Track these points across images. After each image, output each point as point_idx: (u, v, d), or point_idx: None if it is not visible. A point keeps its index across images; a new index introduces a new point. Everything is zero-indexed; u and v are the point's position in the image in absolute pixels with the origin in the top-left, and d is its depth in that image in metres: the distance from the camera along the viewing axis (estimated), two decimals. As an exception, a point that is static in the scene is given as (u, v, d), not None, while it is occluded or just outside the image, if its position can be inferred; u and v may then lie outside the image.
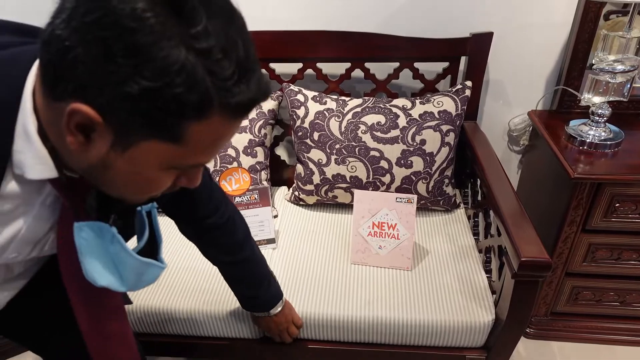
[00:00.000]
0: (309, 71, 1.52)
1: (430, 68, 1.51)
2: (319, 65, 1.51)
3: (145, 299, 1.20)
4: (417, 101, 1.38)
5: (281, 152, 1.72)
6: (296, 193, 1.50)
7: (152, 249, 0.69)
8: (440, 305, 1.16)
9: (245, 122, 1.44)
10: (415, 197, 1.22)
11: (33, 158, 0.51)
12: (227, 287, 1.09)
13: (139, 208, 0.66)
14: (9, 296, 0.76)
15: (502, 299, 1.11)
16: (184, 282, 1.26)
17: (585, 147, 1.36)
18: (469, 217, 1.46)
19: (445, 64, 1.48)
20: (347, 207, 1.48)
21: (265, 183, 1.48)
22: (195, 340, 1.27)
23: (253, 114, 1.45)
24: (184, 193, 0.82)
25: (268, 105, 1.48)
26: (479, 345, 1.18)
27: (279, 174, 1.67)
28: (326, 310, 1.16)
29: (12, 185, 0.54)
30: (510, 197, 1.18)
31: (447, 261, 1.29)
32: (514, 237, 1.04)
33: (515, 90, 1.59)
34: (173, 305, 1.19)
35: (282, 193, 1.61)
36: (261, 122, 1.45)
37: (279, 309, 1.09)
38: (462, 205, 1.50)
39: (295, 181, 1.50)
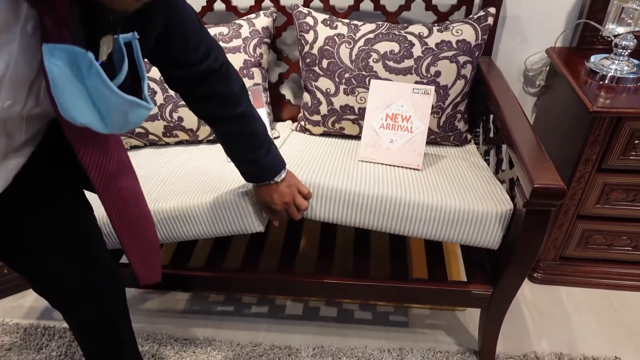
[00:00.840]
0: (316, 2, 1.45)
1: (445, -1, 1.43)
2: (326, -6, 1.44)
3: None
4: (435, 28, 1.30)
5: (286, 91, 1.66)
6: (302, 123, 1.45)
7: (134, 87, 0.62)
8: (452, 194, 1.11)
9: (238, 42, 1.38)
10: (432, 88, 1.18)
11: None
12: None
13: (115, 36, 0.59)
14: (14, 168, 0.70)
15: (511, 232, 1.07)
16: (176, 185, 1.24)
17: (606, 82, 1.30)
18: (480, 154, 1.40)
19: (461, -6, 1.40)
20: (355, 137, 1.43)
21: (265, 107, 1.43)
22: (192, 272, 1.26)
23: (246, 32, 1.39)
24: (172, 37, 0.77)
25: (261, 22, 1.41)
26: (494, 246, 1.11)
27: (285, 114, 1.61)
28: (331, 183, 1.11)
29: None
30: (525, 127, 1.13)
31: (459, 169, 1.25)
32: (528, 164, 0.99)
33: (534, 27, 1.51)
34: (172, 205, 1.16)
35: (286, 124, 1.55)
36: (255, 40, 1.39)
37: (283, 175, 1.04)
38: (472, 142, 1.44)
39: (301, 110, 1.44)
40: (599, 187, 1.35)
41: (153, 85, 1.38)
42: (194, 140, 1.48)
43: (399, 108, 1.21)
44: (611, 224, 1.42)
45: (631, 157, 1.27)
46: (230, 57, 1.37)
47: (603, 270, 1.53)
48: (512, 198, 1.11)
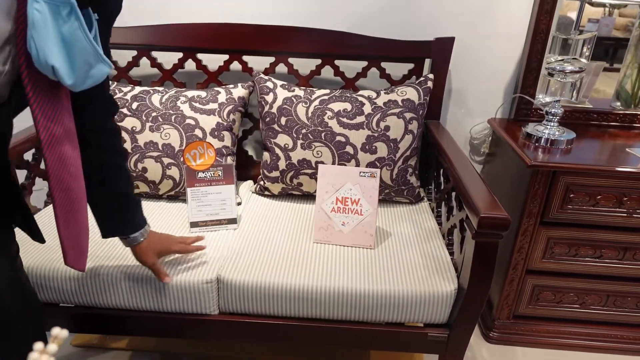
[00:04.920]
0: (281, 66, 1.58)
1: (397, 69, 1.58)
2: (290, 60, 1.57)
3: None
4: (382, 92, 1.44)
5: (249, 148, 1.73)
6: (262, 182, 1.50)
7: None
8: (402, 277, 1.15)
9: (214, 105, 1.46)
10: (378, 171, 1.24)
11: None
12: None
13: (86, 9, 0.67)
14: None
15: (464, 269, 1.11)
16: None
17: (541, 144, 1.43)
18: (432, 210, 1.48)
19: (411, 66, 1.57)
20: (312, 197, 1.48)
21: (234, 184, 1.44)
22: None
23: (223, 99, 1.47)
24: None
25: (238, 92, 1.50)
26: (442, 321, 1.16)
27: (246, 170, 1.66)
28: (285, 280, 1.13)
29: None
30: (472, 172, 1.22)
31: (410, 241, 1.29)
32: (474, 199, 1.06)
33: (477, 99, 1.68)
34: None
35: (247, 185, 1.60)
36: (230, 107, 1.47)
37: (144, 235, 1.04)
38: (426, 199, 1.52)
39: (261, 170, 1.50)
40: (544, 241, 1.42)
41: (124, 134, 1.42)
42: (154, 194, 1.48)
43: (347, 191, 1.26)
44: (558, 280, 1.48)
45: (569, 211, 1.37)
46: (204, 118, 1.43)
47: (555, 330, 1.55)
48: (463, 240, 1.16)
